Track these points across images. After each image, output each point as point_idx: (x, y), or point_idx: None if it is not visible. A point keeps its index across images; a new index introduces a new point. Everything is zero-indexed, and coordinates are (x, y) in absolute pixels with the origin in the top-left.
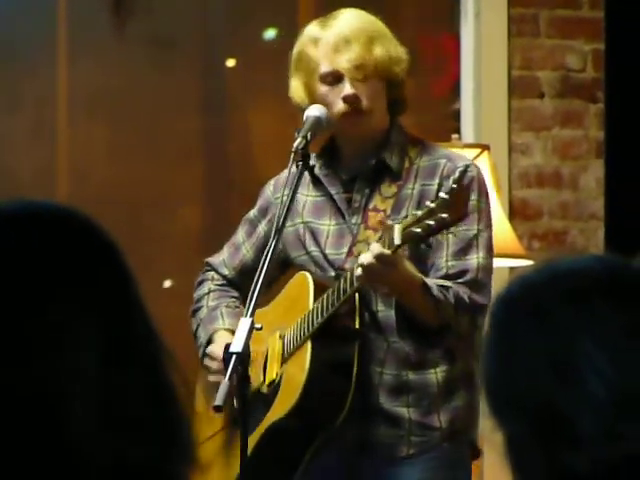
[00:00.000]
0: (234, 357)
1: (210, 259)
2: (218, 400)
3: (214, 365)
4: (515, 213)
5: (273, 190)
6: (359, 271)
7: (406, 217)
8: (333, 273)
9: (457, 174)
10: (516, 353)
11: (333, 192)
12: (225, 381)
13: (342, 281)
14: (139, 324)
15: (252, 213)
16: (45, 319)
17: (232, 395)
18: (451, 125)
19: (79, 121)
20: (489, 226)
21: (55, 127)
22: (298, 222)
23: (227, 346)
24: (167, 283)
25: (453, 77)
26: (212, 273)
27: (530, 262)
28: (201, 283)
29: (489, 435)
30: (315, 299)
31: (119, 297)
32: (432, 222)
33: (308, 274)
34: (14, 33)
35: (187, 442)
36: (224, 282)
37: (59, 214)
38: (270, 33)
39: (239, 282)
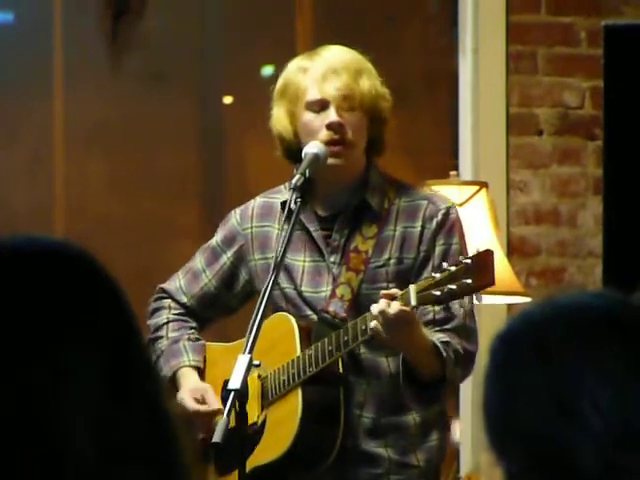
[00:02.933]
0: (232, 394)
1: (164, 285)
2: (216, 437)
3: (189, 408)
4: (513, 250)
5: (240, 220)
6: (373, 324)
7: (424, 277)
8: (309, 312)
9: (439, 216)
10: (517, 388)
11: (312, 229)
12: (224, 418)
13: (342, 333)
14: (139, 359)
15: (215, 241)
16: (44, 354)
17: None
18: (449, 162)
19: (76, 155)
20: None
21: (52, 161)
22: (270, 257)
23: (225, 383)
24: None
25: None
26: (168, 301)
27: (528, 299)
28: (157, 310)
29: (488, 469)
30: (301, 344)
31: (119, 333)
32: (454, 287)
33: (290, 317)
34: (10, 67)
35: (185, 473)
36: (182, 311)
37: (59, 250)
38: (267, 69)
39: (198, 310)
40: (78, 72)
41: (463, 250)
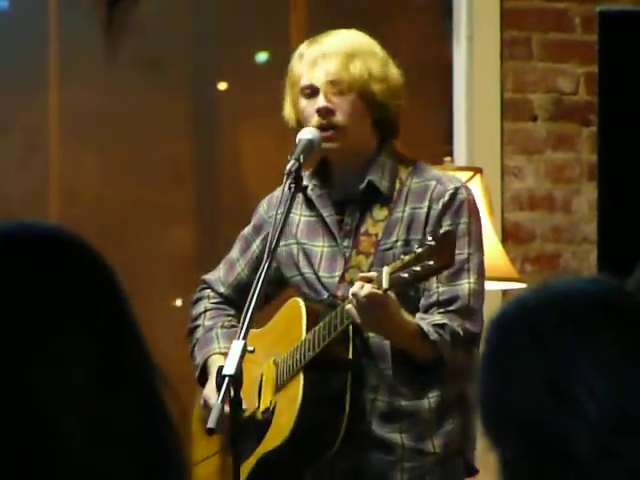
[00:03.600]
0: (226, 380)
1: (206, 276)
2: (211, 423)
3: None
4: (508, 236)
5: (267, 208)
6: (348, 307)
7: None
8: (326, 296)
9: (447, 197)
10: (511, 374)
11: (325, 214)
12: (218, 404)
13: (334, 316)
14: (132, 346)
15: (247, 230)
16: (37, 340)
17: (225, 418)
18: (443, 148)
19: (70, 143)
20: (480, 249)
21: (47, 149)
22: (292, 242)
23: (220, 369)
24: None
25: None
26: (208, 291)
27: (523, 285)
28: (197, 301)
29: (483, 455)
30: (308, 327)
31: (113, 320)
32: (418, 268)
33: (301, 300)
34: (5, 55)
35: (179, 465)
36: (220, 300)
37: (52, 236)
38: (261, 56)
39: (235, 299)
40: (73, 60)
41: (473, 230)
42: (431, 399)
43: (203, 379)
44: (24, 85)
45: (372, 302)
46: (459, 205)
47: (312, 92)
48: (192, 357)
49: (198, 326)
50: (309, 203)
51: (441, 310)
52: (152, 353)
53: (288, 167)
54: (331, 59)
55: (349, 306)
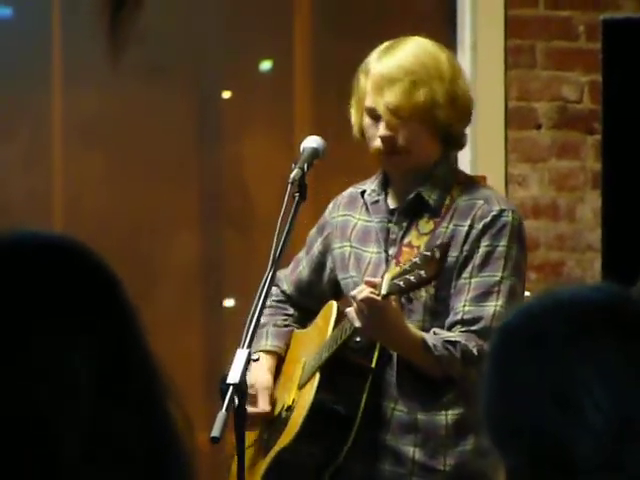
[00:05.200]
0: (231, 389)
1: (279, 272)
2: (215, 431)
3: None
4: None
5: (331, 209)
6: (349, 310)
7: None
8: None
9: (489, 217)
10: (515, 383)
11: (376, 220)
12: (222, 412)
13: (346, 321)
14: (136, 352)
15: (313, 230)
16: (41, 346)
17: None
18: None
19: (74, 148)
20: (516, 275)
21: (50, 153)
22: (346, 245)
23: (224, 377)
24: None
25: None
26: (275, 288)
27: (527, 293)
28: (267, 297)
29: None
30: (333, 330)
31: (116, 326)
32: (412, 277)
33: (335, 303)
34: (9, 61)
35: (181, 467)
36: (282, 298)
37: (57, 245)
38: (265, 65)
39: (296, 298)
40: (77, 65)
41: (512, 254)
42: (449, 416)
43: None
44: (28, 90)
45: (369, 306)
46: (501, 227)
47: (375, 116)
48: None
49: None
50: (366, 208)
51: (463, 329)
52: (158, 360)
53: (292, 176)
54: (395, 86)
55: (349, 309)
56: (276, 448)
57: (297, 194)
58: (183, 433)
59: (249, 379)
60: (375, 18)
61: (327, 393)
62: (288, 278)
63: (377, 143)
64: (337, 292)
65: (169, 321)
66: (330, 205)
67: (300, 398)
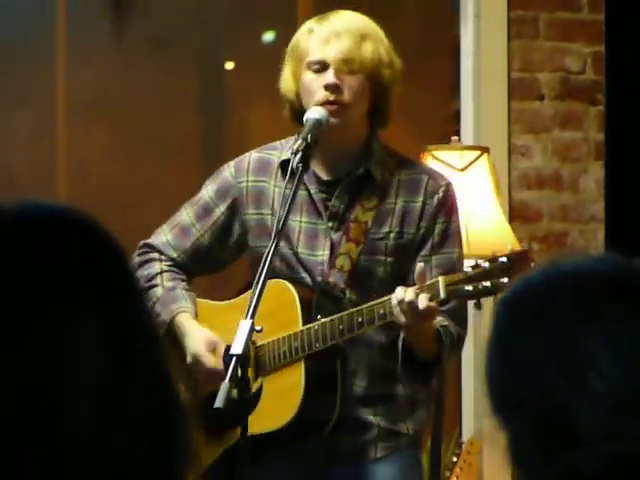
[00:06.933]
0: (234, 359)
1: (149, 240)
2: (219, 402)
3: (206, 365)
4: (515, 215)
5: (235, 173)
6: (396, 311)
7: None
8: (304, 274)
9: (441, 193)
10: (520, 353)
11: (312, 191)
12: (226, 382)
13: (356, 314)
14: (142, 323)
15: (206, 195)
16: (50, 317)
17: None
18: (451, 127)
19: (78, 122)
20: (462, 247)
21: (54, 128)
22: (266, 213)
23: (227, 348)
24: None
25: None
26: (157, 254)
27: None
28: (146, 262)
29: (491, 434)
30: (303, 316)
31: (122, 297)
32: (488, 284)
33: (290, 286)
34: (14, 36)
35: (186, 442)
36: (172, 264)
37: (62, 216)
38: (269, 36)
39: (188, 265)
40: (81, 39)
41: (459, 227)
42: (405, 387)
43: (169, 337)
44: (32, 64)
45: (428, 314)
46: (451, 203)
47: (321, 68)
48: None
49: (156, 285)
50: (290, 175)
51: (445, 320)
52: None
53: (295, 146)
54: (345, 38)
55: (397, 310)
56: (255, 430)
57: (300, 165)
58: (183, 399)
59: (195, 335)
60: None
61: (313, 382)
62: (175, 244)
63: (321, 94)
64: (236, 256)
65: None
66: (230, 169)
67: (276, 384)
